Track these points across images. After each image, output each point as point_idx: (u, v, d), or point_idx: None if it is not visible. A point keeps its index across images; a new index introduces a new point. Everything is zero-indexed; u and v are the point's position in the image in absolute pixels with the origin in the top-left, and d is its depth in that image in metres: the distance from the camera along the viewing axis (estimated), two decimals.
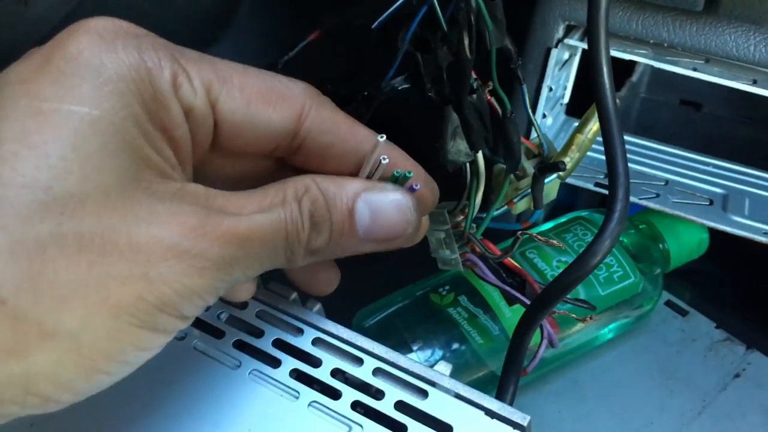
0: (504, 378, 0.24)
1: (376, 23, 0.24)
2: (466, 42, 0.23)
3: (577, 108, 0.45)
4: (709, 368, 0.37)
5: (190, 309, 0.18)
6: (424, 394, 0.23)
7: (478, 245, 0.26)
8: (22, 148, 0.15)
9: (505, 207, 0.27)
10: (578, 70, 0.42)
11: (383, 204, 0.21)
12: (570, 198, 0.48)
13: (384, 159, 0.21)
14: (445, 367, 0.24)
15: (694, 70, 0.36)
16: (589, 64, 0.23)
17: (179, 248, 0.17)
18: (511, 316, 0.35)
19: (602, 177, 0.40)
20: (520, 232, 0.25)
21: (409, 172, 0.22)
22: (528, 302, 0.26)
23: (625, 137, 0.45)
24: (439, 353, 0.34)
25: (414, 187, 0.22)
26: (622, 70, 0.50)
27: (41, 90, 0.16)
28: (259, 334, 0.24)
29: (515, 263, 0.27)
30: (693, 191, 0.40)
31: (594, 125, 0.27)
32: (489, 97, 0.24)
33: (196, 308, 0.18)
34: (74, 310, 0.16)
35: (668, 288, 0.41)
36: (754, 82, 0.35)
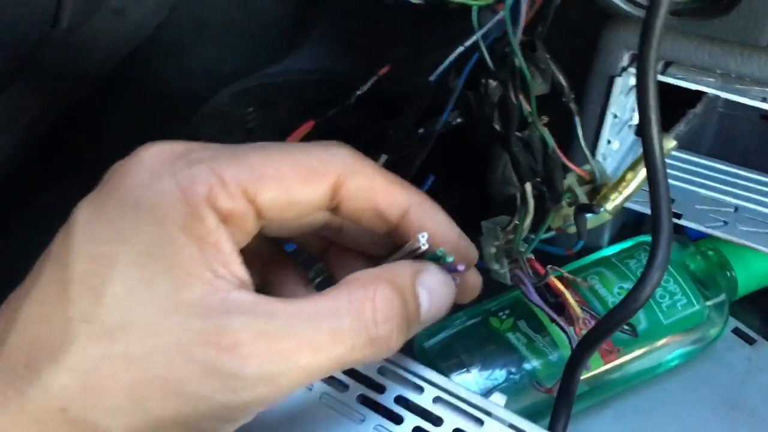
0: (556, 411, 0.26)
1: (433, 76, 0.26)
2: (512, 91, 0.24)
3: None
4: None
5: (234, 421, 0.20)
6: (480, 422, 0.25)
7: (523, 265, 0.28)
8: (84, 289, 0.19)
9: (553, 232, 0.29)
10: None
11: (436, 284, 0.22)
12: (637, 218, 0.48)
13: (424, 246, 0.22)
14: (500, 398, 0.25)
15: (764, 100, 0.35)
16: (639, 115, 0.23)
17: (212, 367, 0.19)
18: None
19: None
20: (549, 267, 0.27)
21: (450, 256, 0.22)
22: (563, 324, 0.28)
23: (696, 160, 0.45)
24: (497, 377, 0.35)
25: (459, 268, 0.23)
26: None
27: (100, 234, 0.20)
28: None
29: (558, 285, 0.28)
30: (764, 218, 0.39)
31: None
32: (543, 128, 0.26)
33: (236, 423, 0.20)
34: (121, 419, 0.19)
35: (736, 315, 0.41)
36: None
